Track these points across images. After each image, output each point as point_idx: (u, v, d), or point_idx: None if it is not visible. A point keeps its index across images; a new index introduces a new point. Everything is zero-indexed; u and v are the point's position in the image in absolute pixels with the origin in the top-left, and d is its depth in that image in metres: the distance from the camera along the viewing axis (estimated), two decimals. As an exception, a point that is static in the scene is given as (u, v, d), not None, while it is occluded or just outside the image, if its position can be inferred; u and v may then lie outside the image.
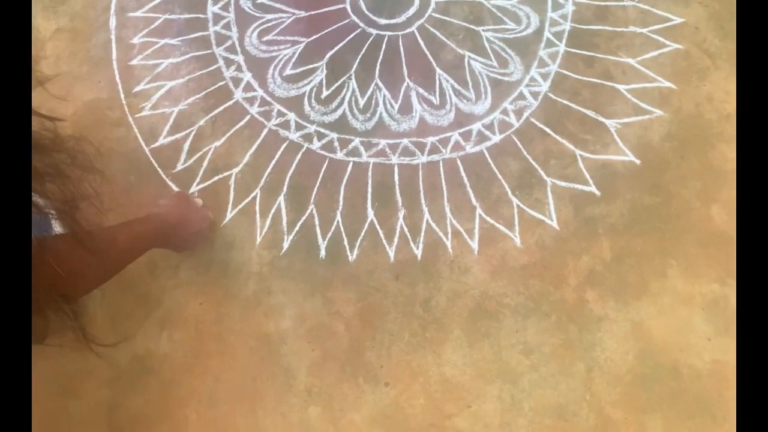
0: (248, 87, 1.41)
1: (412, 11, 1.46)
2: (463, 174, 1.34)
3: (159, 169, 1.33)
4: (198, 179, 1.35)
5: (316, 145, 1.37)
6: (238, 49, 1.44)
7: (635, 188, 1.32)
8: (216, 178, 1.36)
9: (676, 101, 1.37)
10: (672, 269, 1.27)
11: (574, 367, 1.22)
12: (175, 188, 1.32)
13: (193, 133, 1.39)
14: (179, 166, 1.37)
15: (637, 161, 1.33)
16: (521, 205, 1.31)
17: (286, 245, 1.31)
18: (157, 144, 1.38)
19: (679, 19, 1.43)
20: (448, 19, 1.46)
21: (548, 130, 1.36)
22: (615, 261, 1.28)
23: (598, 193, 1.31)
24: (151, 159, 1.37)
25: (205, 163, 1.37)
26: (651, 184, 1.32)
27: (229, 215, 1.33)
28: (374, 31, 1.45)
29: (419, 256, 1.30)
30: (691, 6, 1.44)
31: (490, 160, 1.35)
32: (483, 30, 1.44)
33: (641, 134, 1.35)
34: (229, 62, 1.43)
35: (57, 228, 1.03)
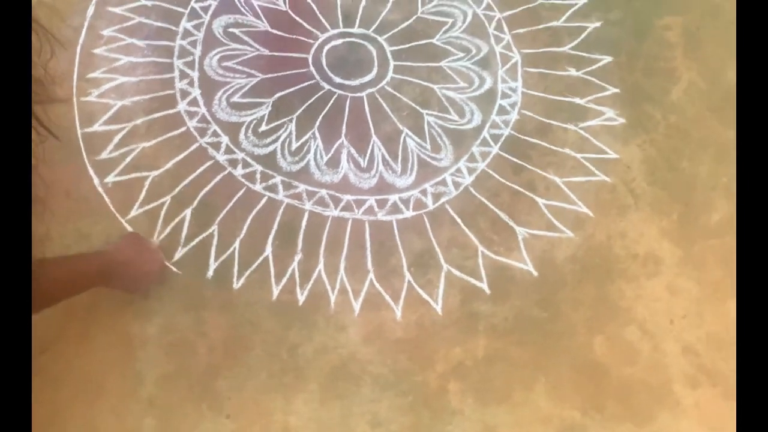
0: (193, 102, 1.51)
1: (367, 78, 1.58)
2: (367, 237, 1.42)
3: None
4: (116, 171, 1.43)
5: (238, 171, 1.45)
6: (196, 66, 1.55)
7: (526, 298, 1.39)
8: (133, 175, 1.43)
9: (589, 228, 1.46)
10: (539, 385, 1.32)
11: (415, 452, 1.25)
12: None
13: (127, 128, 1.47)
14: (103, 155, 1.44)
15: (535, 273, 1.41)
16: (412, 282, 1.38)
17: (178, 255, 1.37)
18: (90, 129, 1.47)
19: (614, 154, 1.54)
20: (398, 95, 1.57)
21: (459, 221, 1.44)
22: (486, 361, 1.33)
23: (488, 291, 1.38)
24: (81, 142, 1.45)
25: (129, 159, 1.44)
26: (542, 298, 1.39)
27: (133, 212, 1.40)
28: (327, 86, 1.56)
29: (301, 302, 1.35)
30: (629, 146, 1.56)
31: (396, 232, 1.42)
32: (427, 113, 1.55)
33: (546, 249, 1.43)
34: (183, 75, 1.54)
35: None
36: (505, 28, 1.67)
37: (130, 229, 1.37)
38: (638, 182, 1.51)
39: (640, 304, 1.39)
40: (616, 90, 1.61)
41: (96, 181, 1.42)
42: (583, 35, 1.67)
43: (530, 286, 1.39)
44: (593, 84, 1.61)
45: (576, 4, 1.70)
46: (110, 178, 1.42)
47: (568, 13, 1.69)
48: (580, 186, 1.49)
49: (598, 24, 1.69)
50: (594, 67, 1.63)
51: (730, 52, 1.66)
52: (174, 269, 1.35)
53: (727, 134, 1.56)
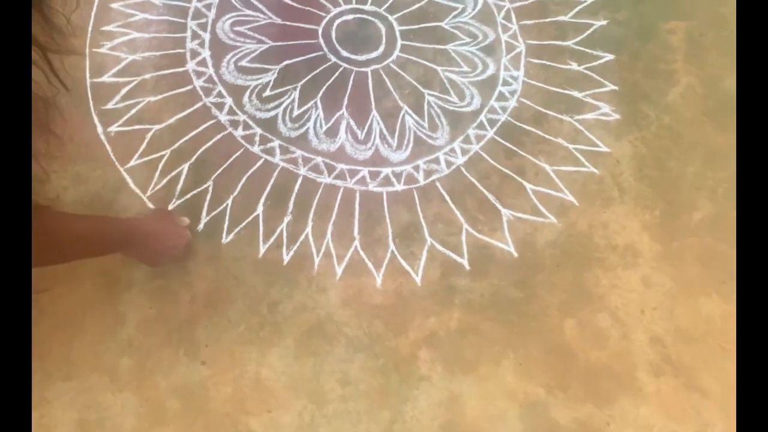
0: (202, 63, 1.57)
1: (374, 54, 1.63)
2: (356, 206, 1.47)
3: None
4: (120, 122, 1.49)
5: (239, 132, 1.50)
6: (209, 28, 1.61)
7: (504, 277, 1.43)
8: (136, 127, 1.49)
9: (572, 216, 1.51)
10: (507, 360, 1.36)
11: (380, 413, 1.30)
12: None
13: (135, 81, 1.54)
14: (109, 105, 1.50)
15: (515, 254, 1.45)
16: (395, 252, 1.43)
17: (171, 206, 1.43)
18: (99, 80, 1.53)
19: (605, 148, 1.58)
20: (402, 72, 1.63)
21: (447, 198, 1.49)
22: (458, 333, 1.38)
23: (468, 267, 1.43)
24: (89, 91, 1.52)
25: (133, 111, 1.50)
26: (520, 279, 1.43)
27: (133, 162, 1.46)
28: (333, 59, 1.61)
29: (285, 261, 1.40)
30: (621, 141, 1.60)
31: (385, 204, 1.47)
32: (428, 93, 1.60)
33: (529, 233, 1.48)
34: (195, 36, 1.59)
35: None
36: (514, 19, 1.72)
37: (127, 177, 1.43)
38: (625, 177, 1.55)
39: (614, 293, 1.43)
40: (615, 87, 1.65)
41: (99, 129, 1.48)
42: (589, 31, 1.71)
43: (509, 266, 1.44)
44: (593, 79, 1.65)
45: (585, 2, 1.75)
46: (113, 128, 1.48)
47: (576, 9, 1.74)
48: (568, 175, 1.53)
49: (604, 22, 1.73)
50: (595, 63, 1.67)
51: (730, 60, 1.69)
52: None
53: (718, 139, 1.60)
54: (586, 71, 1.66)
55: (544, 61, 1.67)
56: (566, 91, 1.62)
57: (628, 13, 1.76)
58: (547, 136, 1.57)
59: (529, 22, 1.72)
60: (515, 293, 1.41)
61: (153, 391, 1.28)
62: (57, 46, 0.76)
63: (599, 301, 1.42)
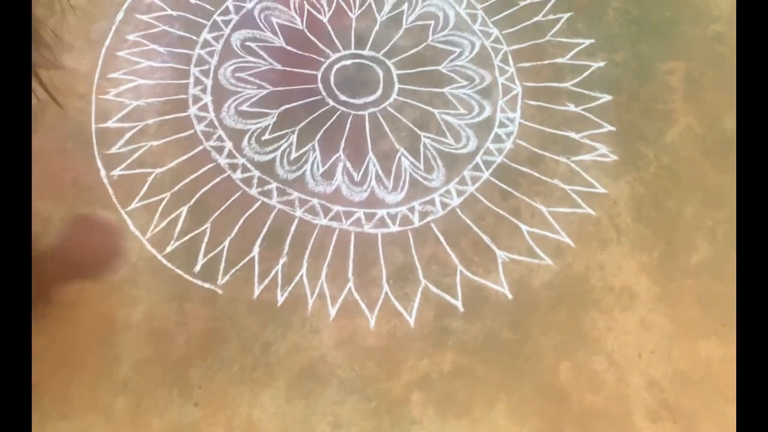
0: (204, 108, 1.62)
1: (371, 98, 1.67)
2: (351, 247, 1.49)
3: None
4: (123, 165, 1.54)
5: (237, 175, 1.55)
6: (211, 74, 1.67)
7: (498, 319, 1.44)
8: (138, 171, 1.54)
9: (569, 257, 1.51)
10: (501, 403, 1.36)
11: (372, 456, 1.31)
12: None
13: (138, 127, 1.59)
14: (113, 149, 1.56)
15: (510, 296, 1.46)
16: (389, 293, 1.45)
17: (169, 248, 1.47)
18: (104, 125, 1.59)
19: (602, 189, 1.59)
20: (398, 116, 1.66)
21: (442, 239, 1.51)
22: (451, 375, 1.38)
23: (462, 309, 1.44)
24: (93, 136, 1.57)
25: (136, 155, 1.56)
26: (514, 320, 1.44)
27: (133, 204, 1.50)
28: (332, 103, 1.66)
29: (280, 302, 1.43)
30: (618, 181, 1.61)
31: (380, 245, 1.50)
32: (424, 136, 1.63)
33: (524, 274, 1.49)
34: (198, 82, 1.65)
35: None
36: (511, 61, 1.75)
37: (127, 219, 1.47)
38: (623, 218, 1.55)
39: (610, 336, 1.42)
40: (612, 128, 1.66)
41: (103, 172, 1.53)
42: (586, 73, 1.74)
43: (504, 307, 1.44)
44: (590, 120, 1.67)
45: (582, 44, 1.77)
46: (116, 171, 1.53)
47: (574, 51, 1.77)
48: (564, 216, 1.55)
49: (602, 63, 1.76)
50: (593, 104, 1.70)
51: (729, 99, 1.70)
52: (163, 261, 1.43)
53: (717, 178, 1.60)
54: (583, 112, 1.68)
55: (540, 103, 1.69)
56: (563, 132, 1.65)
57: (626, 54, 1.78)
58: (543, 178, 1.59)
59: (526, 64, 1.75)
60: (509, 335, 1.42)
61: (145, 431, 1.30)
62: (43, 60, 0.78)
63: (595, 344, 1.42)
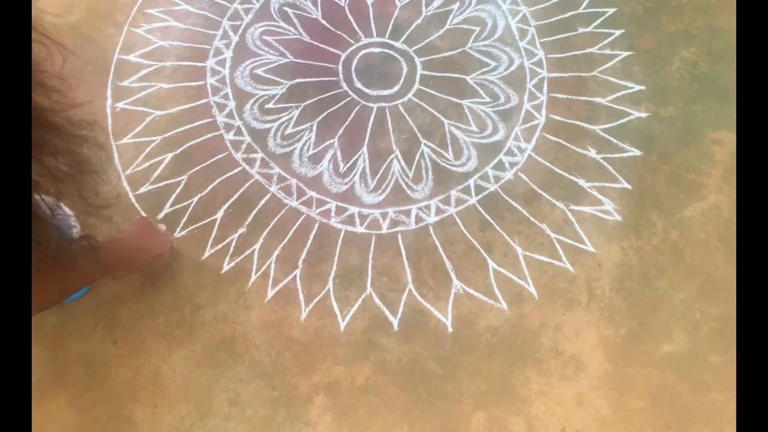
0: (222, 63, 1.71)
1: (386, 92, 1.69)
2: (311, 236, 1.54)
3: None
4: (128, 100, 1.66)
5: (229, 137, 1.63)
6: (240, 31, 1.75)
7: (429, 348, 1.44)
8: (140, 108, 1.66)
9: (526, 308, 1.49)
10: (401, 433, 1.38)
11: (255, 443, 1.37)
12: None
13: (155, 67, 1.71)
14: (125, 82, 1.68)
15: (450, 329, 1.46)
16: (331, 292, 1.48)
17: (142, 189, 1.58)
18: (126, 57, 1.72)
19: (591, 247, 1.54)
20: (407, 117, 1.67)
21: (403, 253, 1.52)
22: (362, 389, 1.40)
23: (396, 328, 1.46)
24: (113, 67, 1.70)
25: (143, 93, 1.67)
26: (445, 355, 1.43)
27: (125, 140, 1.62)
28: (345, 87, 1.69)
29: (224, 270, 1.50)
30: (612, 244, 1.54)
31: (340, 241, 1.53)
32: (425, 144, 1.64)
33: (473, 312, 1.47)
34: (225, 35, 1.74)
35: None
36: (545, 89, 1.71)
37: (115, 154, 1.58)
38: (602, 283, 1.50)
39: (539, 400, 1.40)
40: (628, 186, 1.59)
41: (109, 102, 1.65)
42: (623, 120, 1.67)
43: (439, 339, 1.45)
44: (606, 172, 1.61)
45: (632, 88, 1.70)
46: (120, 104, 1.65)
47: (618, 94, 1.70)
48: (539, 265, 1.52)
49: (644, 114, 1.68)
50: (617, 155, 1.63)
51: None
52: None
53: (725, 272, 1.51)
54: (603, 161, 1.62)
55: (560, 140, 1.65)
56: (572, 177, 1.60)
57: (676, 111, 1.69)
58: (531, 218, 1.56)
59: (560, 96, 1.70)
60: (434, 368, 1.42)
61: (64, 353, 1.42)
62: (58, 105, 0.81)
63: (520, 404, 1.40)
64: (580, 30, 1.77)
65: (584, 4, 1.81)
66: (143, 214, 1.53)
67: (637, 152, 1.63)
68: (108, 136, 1.61)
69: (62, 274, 1.03)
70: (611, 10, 1.80)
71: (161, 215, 1.54)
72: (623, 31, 1.78)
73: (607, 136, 1.65)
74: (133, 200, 1.55)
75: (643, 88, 1.70)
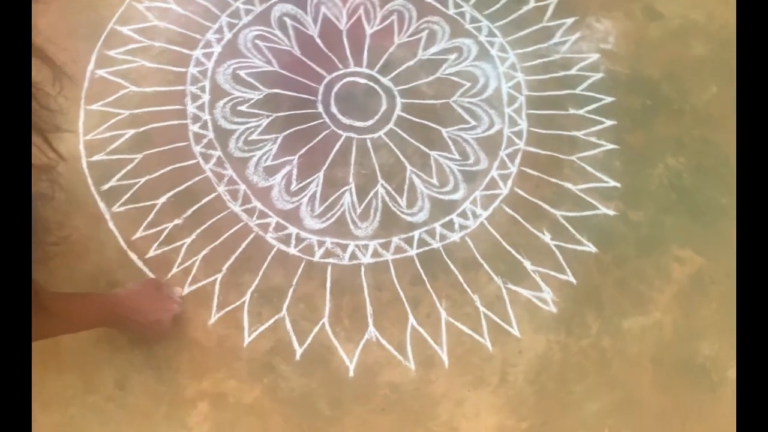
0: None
1: (358, 123, 1.77)
2: (243, 245, 1.61)
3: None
4: (111, 70, 1.76)
5: (193, 128, 1.72)
6: (235, 29, 1.85)
7: (324, 386, 1.49)
8: (118, 80, 1.76)
9: (433, 374, 1.53)
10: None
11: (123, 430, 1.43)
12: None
13: (144, 44, 1.81)
14: (111, 52, 1.79)
15: (352, 373, 1.51)
16: (246, 304, 1.55)
17: (97, 157, 1.67)
18: (120, 28, 1.82)
19: (516, 332, 1.59)
20: (372, 154, 1.75)
21: (328, 284, 1.59)
22: (246, 409, 1.45)
23: (298, 358, 1.51)
24: (103, 36, 1.81)
25: (125, 66, 1.77)
26: (337, 398, 1.48)
27: (94, 106, 1.72)
28: (320, 108, 1.77)
29: (148, 255, 1.58)
30: (540, 335, 1.59)
31: (269, 257, 1.60)
32: (381, 184, 1.71)
33: (379, 362, 1.51)
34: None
35: None
36: (518, 160, 1.79)
37: (81, 120, 1.68)
38: (517, 372, 1.52)
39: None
40: (573, 280, 1.64)
41: (90, 66, 1.76)
42: (588, 212, 1.72)
43: (337, 381, 1.49)
44: (555, 260, 1.66)
45: (606, 183, 1.76)
46: (101, 71, 1.76)
47: (591, 185, 1.76)
48: (458, 333, 1.55)
49: (611, 212, 1.73)
50: (571, 246, 1.68)
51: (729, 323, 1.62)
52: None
53: (647, 394, 1.54)
54: (554, 248, 1.67)
55: (517, 216, 1.70)
56: (518, 256, 1.65)
57: (646, 217, 1.73)
58: (465, 286, 1.61)
59: (531, 171, 1.76)
60: (325, 407, 1.47)
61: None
62: (46, 125, 0.88)
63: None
64: (571, 111, 1.83)
65: (583, 86, 1.86)
66: (92, 189, 1.61)
67: (592, 248, 1.67)
68: (80, 99, 1.69)
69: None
70: (609, 99, 1.86)
71: (105, 186, 1.61)
72: (615, 122, 1.83)
73: (566, 224, 1.70)
74: (87, 174, 1.62)
75: (618, 185, 1.75)
